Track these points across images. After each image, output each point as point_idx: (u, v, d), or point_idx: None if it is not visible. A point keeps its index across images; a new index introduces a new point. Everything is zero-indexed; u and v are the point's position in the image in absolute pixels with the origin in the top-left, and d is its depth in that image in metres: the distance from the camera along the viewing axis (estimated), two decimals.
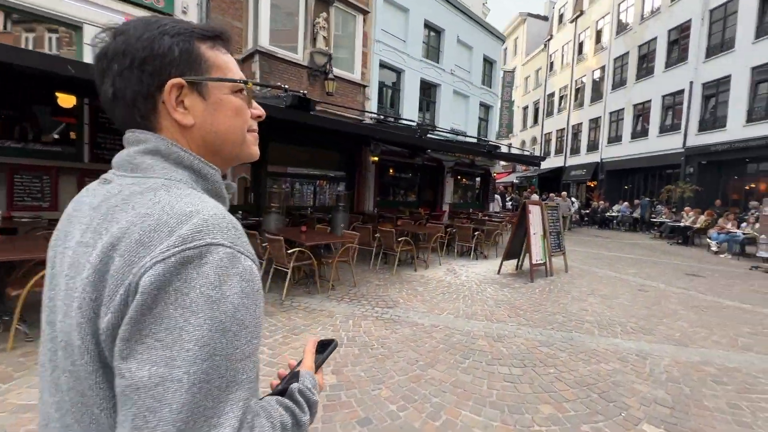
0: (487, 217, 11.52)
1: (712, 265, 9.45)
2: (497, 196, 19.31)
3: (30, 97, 6.52)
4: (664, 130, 18.07)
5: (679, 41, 17.46)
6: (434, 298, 5.43)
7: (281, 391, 0.62)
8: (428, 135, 11.80)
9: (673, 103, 17.74)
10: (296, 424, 0.55)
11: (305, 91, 5.67)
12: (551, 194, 17.58)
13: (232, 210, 0.64)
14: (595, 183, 22.43)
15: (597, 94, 23.07)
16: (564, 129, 26.33)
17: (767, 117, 13.53)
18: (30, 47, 6.69)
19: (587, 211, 20.05)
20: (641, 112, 19.64)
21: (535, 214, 7.06)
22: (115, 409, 0.44)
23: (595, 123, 23.25)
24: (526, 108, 32.60)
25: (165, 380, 0.39)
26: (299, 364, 0.71)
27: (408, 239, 6.99)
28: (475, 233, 8.42)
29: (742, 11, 14.36)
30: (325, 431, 2.39)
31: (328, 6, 9.65)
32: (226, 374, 0.43)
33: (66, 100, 5.89)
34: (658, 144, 18.17)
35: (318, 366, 0.71)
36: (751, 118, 14.05)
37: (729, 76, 14.83)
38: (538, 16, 32.70)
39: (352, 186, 12.29)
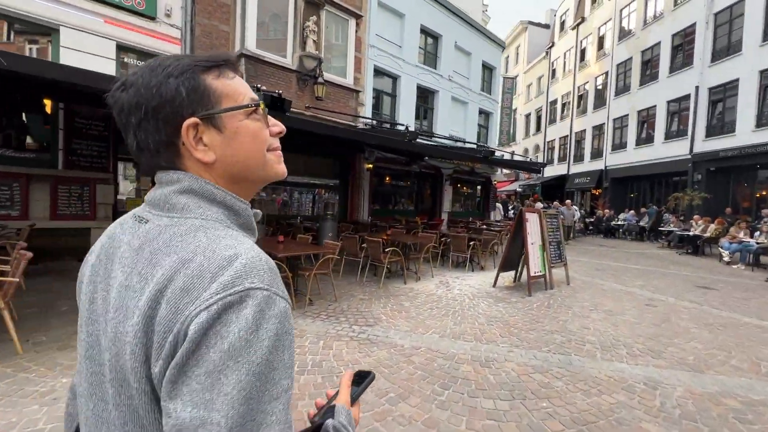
0: (485, 226, 11.06)
1: (725, 276, 8.88)
2: (499, 205, 18.83)
3: None
4: (670, 136, 17.58)
5: (683, 46, 17.08)
6: (420, 315, 4.97)
7: (317, 427, 0.62)
8: (425, 141, 11.46)
9: (678, 109, 17.27)
10: None
11: (280, 91, 5.35)
12: (555, 202, 17.11)
13: None
14: (600, 191, 21.89)
15: (600, 101, 22.67)
16: (567, 136, 25.90)
17: None
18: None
19: (592, 220, 19.49)
20: (646, 118, 19.19)
21: (532, 223, 6.60)
22: None
23: (598, 130, 22.80)
24: (528, 116, 32.26)
25: (205, 423, 0.41)
26: (336, 395, 0.71)
27: (396, 250, 6.55)
28: (471, 243, 7.96)
29: (749, 14, 13.96)
30: None
31: (319, 9, 9.41)
32: (258, 417, 0.44)
33: (41, 105, 5.60)
34: (664, 150, 17.67)
35: (354, 399, 0.71)
36: (761, 122, 13.54)
37: (737, 80, 14.37)
38: (539, 24, 32.56)
39: (345, 194, 11.91)
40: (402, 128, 7.51)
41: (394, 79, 13.03)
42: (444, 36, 14.46)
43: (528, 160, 14.29)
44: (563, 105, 26.85)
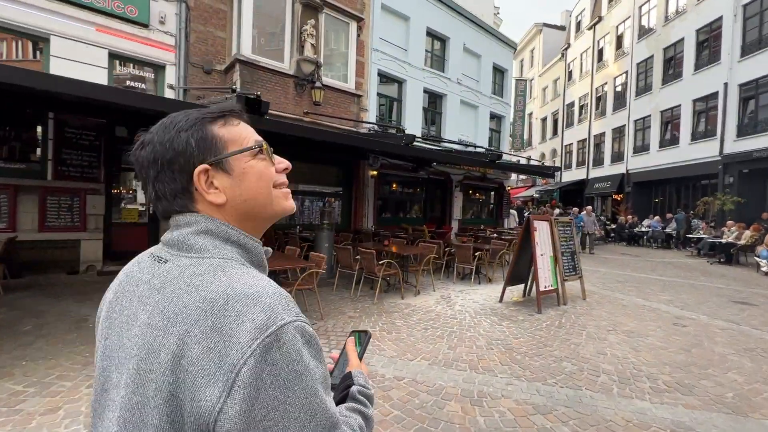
0: (496, 234, 10.43)
1: (764, 289, 7.97)
2: (513, 212, 18.06)
3: None
4: (697, 137, 16.51)
5: (709, 41, 16.08)
6: (412, 336, 4.46)
7: (343, 397, 0.70)
8: (430, 146, 11.00)
9: (705, 108, 16.21)
10: (366, 420, 0.66)
11: (258, 93, 5.02)
12: (574, 208, 16.22)
13: None
14: (622, 196, 20.79)
15: (620, 102, 21.68)
16: (585, 140, 24.89)
17: None
18: None
19: (613, 226, 18.46)
20: (670, 118, 18.13)
21: (542, 232, 6.00)
22: None
23: (619, 132, 21.77)
24: (544, 119, 31.33)
25: None
26: (343, 358, 0.82)
27: (391, 261, 6.07)
28: (477, 253, 7.39)
29: None
30: None
31: (317, 13, 9.14)
32: (326, 422, 0.51)
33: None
34: (690, 152, 16.58)
35: (360, 358, 0.82)
36: None
37: None
38: (554, 26, 31.75)
39: (349, 202, 11.52)
40: (399, 132, 7.06)
41: (400, 83, 12.65)
42: (452, 38, 14.02)
43: (541, 163, 13.56)
44: (581, 107, 25.88)
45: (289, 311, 0.52)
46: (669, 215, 16.79)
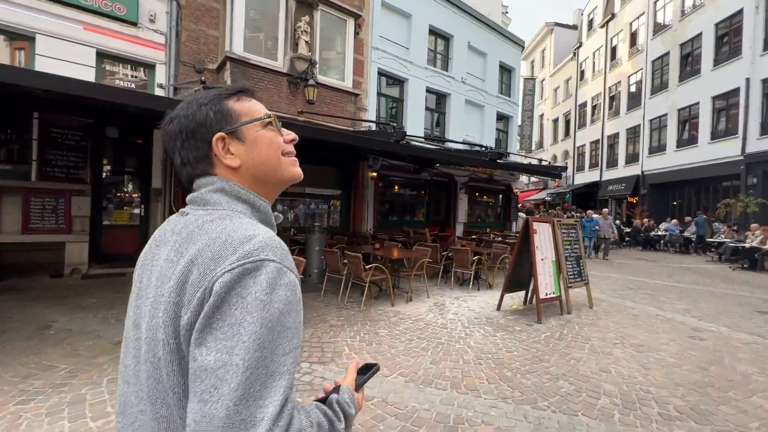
0: (500, 238, 9.95)
1: None
2: (522, 215, 17.44)
3: None
4: (716, 135, 15.69)
5: (729, 35, 15.30)
6: (394, 348, 4.07)
7: (323, 399, 0.70)
8: (425, 145, 10.62)
9: (726, 105, 15.40)
10: (332, 429, 0.63)
11: (241, 85, 4.78)
12: (588, 211, 15.50)
13: None
14: (637, 198, 19.95)
15: (634, 101, 20.89)
16: (598, 140, 24.09)
17: None
18: None
19: (628, 230, 17.68)
20: (687, 117, 17.32)
21: (542, 235, 5.55)
22: (185, 393, 0.56)
23: (633, 132, 20.96)
24: (556, 120, 30.56)
25: (226, 364, 0.50)
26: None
27: (380, 266, 5.69)
28: (476, 257, 6.95)
29: None
30: None
31: (312, 9, 8.90)
32: (270, 365, 0.52)
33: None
34: (710, 152, 15.76)
35: (358, 386, 0.78)
36: None
37: None
38: (565, 26, 31.05)
39: (348, 204, 11.20)
40: (391, 128, 6.72)
41: (401, 82, 12.32)
42: (456, 36, 13.65)
43: (548, 163, 13.00)
44: (593, 107, 25.10)
45: (277, 254, 0.58)
46: (688, 218, 15.96)
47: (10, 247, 6.40)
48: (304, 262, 4.79)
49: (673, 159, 17.73)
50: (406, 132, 6.19)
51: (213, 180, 0.69)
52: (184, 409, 0.56)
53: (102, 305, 5.16)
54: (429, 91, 12.98)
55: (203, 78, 5.16)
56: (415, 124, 12.34)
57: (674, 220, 15.92)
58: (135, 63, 7.53)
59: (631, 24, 21.36)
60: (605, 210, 14.07)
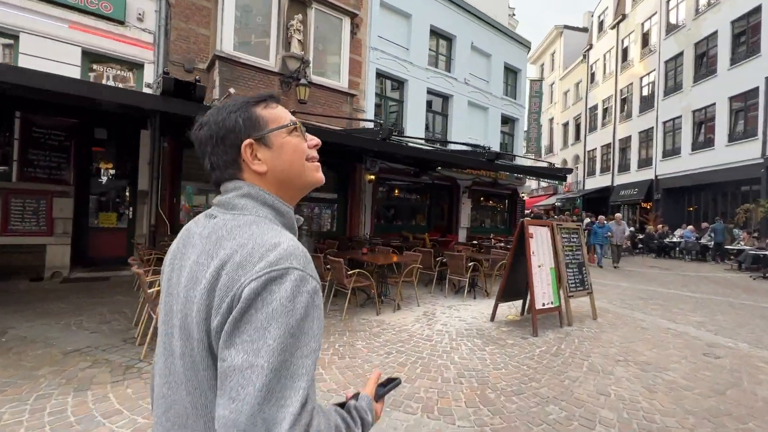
0: (502, 244, 9.49)
1: None
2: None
3: None
4: (734, 138, 14.95)
5: (746, 33, 14.63)
6: (369, 362, 3.69)
7: (342, 403, 0.74)
8: (416, 145, 10.27)
9: (744, 106, 14.68)
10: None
11: (198, 78, 4.51)
12: (600, 217, 14.79)
13: None
14: (650, 204, 19.18)
15: (647, 103, 20.21)
16: (610, 144, 23.38)
17: None
18: None
19: (641, 237, 16.96)
20: (703, 119, 16.61)
21: (539, 239, 5.11)
22: (216, 385, 0.59)
23: (646, 135, 20.25)
24: (566, 125, 29.88)
25: (252, 365, 0.53)
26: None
27: (363, 272, 5.32)
28: (471, 264, 6.53)
29: None
30: None
31: (306, 7, 8.68)
32: (292, 367, 0.55)
33: None
34: (727, 155, 15.02)
35: (378, 397, 0.82)
36: None
37: None
38: (575, 28, 30.49)
39: (344, 208, 10.89)
40: (375, 126, 6.37)
41: (401, 83, 12.02)
42: (458, 37, 13.32)
43: (552, 165, 12.48)
44: (604, 110, 24.43)
45: (300, 262, 0.60)
46: (705, 224, 15.19)
47: None
48: None
49: (689, 163, 16.99)
50: (392, 130, 5.85)
51: (240, 185, 0.72)
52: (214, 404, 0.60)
53: (69, 311, 4.90)
54: (430, 92, 12.65)
55: (165, 69, 4.95)
56: (415, 126, 12.01)
57: (690, 227, 15.17)
58: (122, 62, 7.39)
59: (642, 24, 20.76)
60: (618, 215, 13.12)
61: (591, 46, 26.24)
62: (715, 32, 15.78)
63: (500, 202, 16.19)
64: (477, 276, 6.91)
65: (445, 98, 13.33)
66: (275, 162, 0.72)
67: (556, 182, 11.18)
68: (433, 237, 11.46)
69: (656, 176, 18.94)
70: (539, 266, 4.98)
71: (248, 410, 0.52)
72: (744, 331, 5.21)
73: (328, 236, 9.89)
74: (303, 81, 7.88)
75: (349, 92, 9.52)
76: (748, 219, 13.73)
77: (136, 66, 7.50)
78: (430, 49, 12.71)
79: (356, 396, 0.77)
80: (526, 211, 27.98)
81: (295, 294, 0.57)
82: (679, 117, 17.72)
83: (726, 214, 15.40)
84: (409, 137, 10.29)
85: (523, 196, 16.46)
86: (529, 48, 16.31)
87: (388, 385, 0.87)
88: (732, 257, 12.48)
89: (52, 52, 6.64)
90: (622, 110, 22.53)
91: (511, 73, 15.84)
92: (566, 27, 30.12)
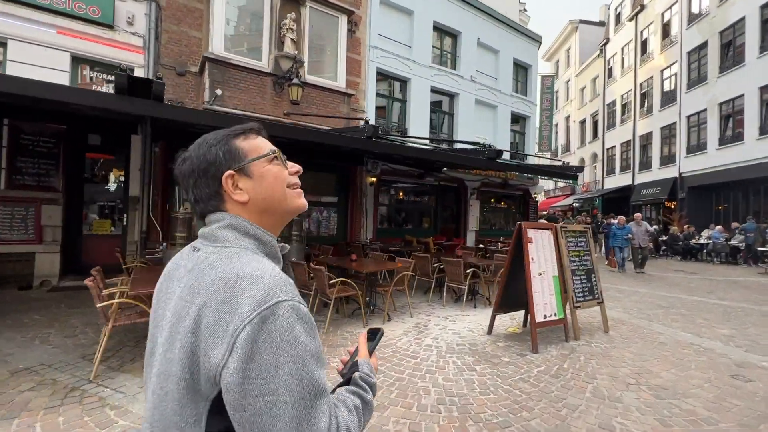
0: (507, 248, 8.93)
1: None
2: (543, 222, 16.15)
3: None
4: (766, 131, 13.89)
5: None
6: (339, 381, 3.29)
7: (348, 380, 0.79)
8: (415, 145, 9.85)
9: None
10: (364, 403, 0.73)
11: (160, 75, 4.27)
12: (620, 217, 13.88)
13: None
14: (674, 203, 18.11)
15: (669, 97, 19.16)
16: (630, 141, 22.31)
17: None
18: None
19: (664, 238, 15.98)
20: (731, 112, 15.55)
21: (540, 244, 4.62)
22: (196, 423, 0.62)
23: (668, 131, 19.18)
24: (583, 122, 28.80)
25: (276, 404, 0.56)
26: (356, 352, 0.87)
27: (348, 281, 4.94)
28: (470, 270, 6.06)
29: None
30: None
31: (299, 6, 8.42)
32: (312, 389, 0.59)
33: None
34: (759, 149, 13.96)
35: (371, 352, 0.88)
36: None
37: None
38: (591, 23, 29.46)
39: (345, 212, 10.55)
40: (366, 124, 5.99)
41: (403, 82, 11.64)
42: (463, 33, 12.85)
43: (562, 163, 11.78)
44: (623, 106, 23.36)
45: (286, 292, 0.62)
46: (735, 224, 14.17)
47: None
48: None
49: (716, 159, 15.92)
50: (378, 127, 5.47)
51: (223, 216, 0.73)
52: None
53: (41, 323, 4.71)
54: (435, 91, 12.22)
55: (122, 65, 4.71)
56: (419, 126, 11.60)
57: (718, 227, 14.15)
58: (112, 67, 7.28)
59: (662, 14, 19.74)
60: (638, 215, 12.07)
61: (608, 40, 25.21)
62: (743, 19, 14.76)
63: (511, 204, 15.54)
64: (478, 283, 6.42)
65: (451, 97, 12.87)
66: (257, 191, 0.74)
67: (570, 181, 10.49)
68: (439, 241, 10.99)
69: (680, 174, 17.88)
70: (540, 274, 4.49)
71: None
72: None
73: (328, 241, 9.57)
74: (295, 81, 7.59)
75: (346, 92, 9.20)
76: None
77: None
78: (433, 47, 12.29)
79: (355, 365, 0.82)
80: (543, 213, 27.12)
81: (291, 325, 0.59)
82: (704, 110, 16.67)
83: (759, 213, 14.32)
84: (410, 137, 9.89)
85: (536, 197, 15.74)
86: (540, 43, 15.67)
87: (375, 338, 0.91)
88: (766, 260, 11.50)
89: (41, 58, 6.58)
90: (642, 105, 21.48)
91: (521, 69, 15.24)
92: (581, 21, 29.13)
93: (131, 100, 3.62)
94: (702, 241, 14.48)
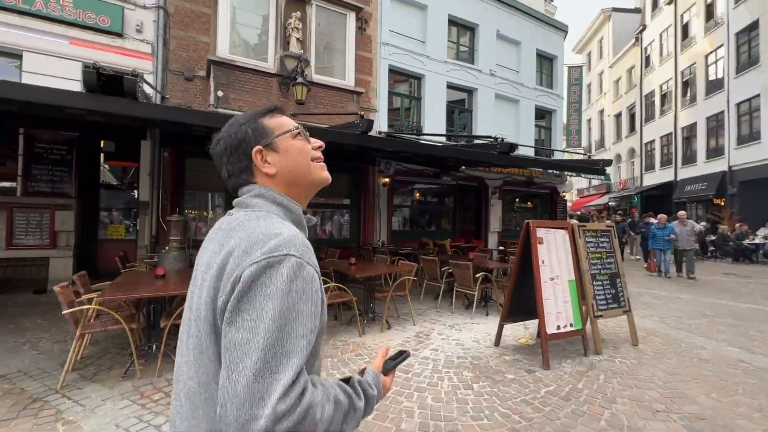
0: None
1: None
2: (575, 222, 15.13)
3: None
4: None
5: None
6: None
7: (346, 379, 0.77)
8: (406, 139, 9.41)
9: None
10: (351, 406, 0.71)
11: (139, 71, 4.14)
12: (660, 215, 12.60)
13: None
14: (723, 200, 16.48)
15: (715, 84, 17.53)
16: (671, 134, 20.64)
17: None
18: None
19: (713, 238, 14.52)
20: None
21: (553, 245, 4.09)
22: (219, 363, 0.65)
23: (715, 121, 17.53)
24: (618, 116, 27.06)
25: (249, 341, 0.59)
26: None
27: (342, 286, 4.62)
28: (480, 275, 5.57)
29: None
30: None
31: (305, 4, 8.27)
32: (286, 345, 0.60)
33: None
34: None
35: (387, 370, 0.87)
36: None
37: None
38: (625, 10, 27.70)
39: (358, 214, 10.28)
40: (361, 119, 5.63)
41: (417, 79, 11.25)
42: (481, 26, 12.29)
43: (587, 157, 10.85)
44: (663, 96, 21.69)
45: (297, 249, 0.66)
46: None
47: None
48: None
49: None
50: (372, 121, 5.13)
51: (253, 187, 0.80)
52: (218, 376, 0.63)
53: (40, 328, 4.72)
54: (451, 87, 11.73)
55: (95, 64, 4.67)
56: (435, 123, 11.15)
57: None
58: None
59: None
60: (682, 213, 10.50)
61: (644, 27, 23.57)
62: None
63: (537, 204, 14.68)
64: (490, 288, 5.92)
65: (469, 92, 12.31)
66: (283, 164, 0.81)
67: (601, 177, 9.63)
68: (457, 243, 10.48)
69: (730, 167, 16.26)
70: (552, 279, 3.96)
71: (244, 381, 0.57)
72: None
73: (341, 244, 9.31)
74: (299, 80, 7.42)
75: (355, 90, 8.94)
76: None
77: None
78: (449, 41, 11.82)
79: (363, 371, 0.83)
80: (575, 213, 25.68)
81: (291, 278, 0.63)
82: (757, 96, 15.07)
83: None
84: (424, 134, 9.47)
85: (564, 195, 14.77)
86: (566, 32, 14.76)
87: (398, 358, 0.89)
88: None
89: (54, 68, 6.76)
90: (684, 95, 19.83)
91: (546, 60, 14.41)
92: (614, 9, 27.44)
93: (103, 98, 3.53)
94: (757, 241, 13.01)
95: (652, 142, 22.67)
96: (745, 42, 15.85)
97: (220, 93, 6.58)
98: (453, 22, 11.87)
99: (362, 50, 9.82)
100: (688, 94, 19.51)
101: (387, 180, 10.28)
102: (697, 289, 8.20)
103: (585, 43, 31.55)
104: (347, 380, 0.77)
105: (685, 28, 19.80)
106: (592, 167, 8.05)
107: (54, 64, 6.78)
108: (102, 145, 7.81)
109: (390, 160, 9.88)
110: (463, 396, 3.10)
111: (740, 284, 8.84)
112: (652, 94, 22.66)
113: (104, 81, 3.62)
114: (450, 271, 6.00)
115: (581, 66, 16.73)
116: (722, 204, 16.52)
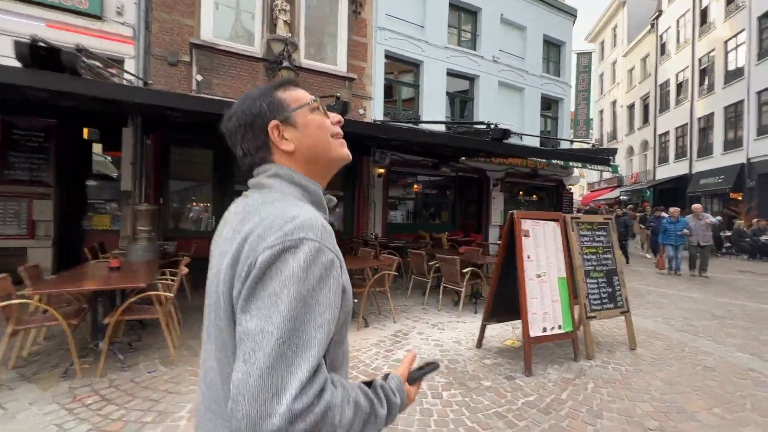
0: None
1: None
2: (581, 216, 14.56)
3: None
4: None
5: None
6: None
7: (369, 382, 0.72)
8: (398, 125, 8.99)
9: None
10: (372, 412, 0.65)
11: (79, 47, 3.84)
12: (672, 209, 11.88)
13: None
14: (740, 194, 15.69)
15: (734, 72, 16.62)
16: (686, 125, 19.75)
17: None
18: None
19: (728, 234, 13.84)
20: None
21: (539, 239, 3.69)
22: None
23: (734, 111, 16.66)
24: (631, 106, 26.07)
25: (263, 331, 0.54)
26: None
27: None
28: (468, 270, 5.20)
29: None
30: None
31: None
32: (303, 336, 0.55)
33: None
34: None
35: (413, 379, 0.80)
36: None
37: None
38: None
39: (352, 206, 9.95)
40: (338, 101, 5.24)
41: (416, 65, 10.78)
42: (484, 9, 11.72)
43: (592, 145, 10.26)
44: (678, 86, 20.75)
45: (316, 233, 0.61)
46: None
47: None
48: (181, 278, 3.61)
49: None
50: (348, 103, 4.77)
51: (270, 166, 0.75)
52: None
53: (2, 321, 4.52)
54: (451, 73, 11.23)
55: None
56: (434, 112, 10.69)
57: None
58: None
59: None
60: (697, 206, 9.79)
61: (660, 13, 22.52)
62: None
63: (543, 196, 14.14)
64: (479, 284, 5.54)
65: (470, 79, 11.81)
66: (302, 140, 0.75)
67: (609, 169, 8.98)
68: (454, 236, 10.09)
69: (748, 160, 15.44)
70: (538, 276, 3.57)
71: (257, 374, 0.53)
72: None
73: (336, 237, 9.02)
74: (285, 64, 7.07)
75: (347, 76, 8.56)
76: None
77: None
78: (450, 26, 11.30)
79: (386, 376, 0.77)
80: (584, 207, 24.97)
81: (309, 264, 0.58)
82: None
83: None
84: (420, 122, 9.06)
85: (570, 188, 14.17)
86: (575, 17, 14.07)
87: (425, 368, 0.84)
88: None
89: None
90: (701, 83, 18.90)
91: (553, 47, 13.76)
92: None
93: (39, 73, 3.24)
94: None
95: (666, 133, 21.77)
96: None
97: (199, 77, 6.29)
98: (454, 5, 11.33)
99: (357, 35, 9.41)
100: (706, 83, 18.59)
101: (382, 170, 9.91)
102: (709, 287, 7.69)
103: (598, 31, 30.47)
104: (369, 383, 0.72)
105: (704, 13, 18.80)
106: (597, 156, 7.55)
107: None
108: (86, 134, 7.60)
109: (384, 149, 9.51)
110: (428, 406, 2.76)
111: (757, 283, 8.29)
112: (667, 83, 21.71)
113: (43, 55, 3.31)
114: (437, 265, 5.64)
115: (591, 52, 15.95)
116: (740, 198, 15.74)
